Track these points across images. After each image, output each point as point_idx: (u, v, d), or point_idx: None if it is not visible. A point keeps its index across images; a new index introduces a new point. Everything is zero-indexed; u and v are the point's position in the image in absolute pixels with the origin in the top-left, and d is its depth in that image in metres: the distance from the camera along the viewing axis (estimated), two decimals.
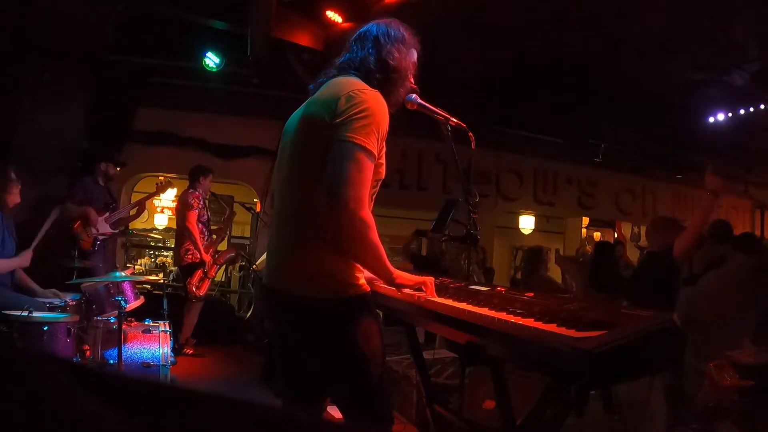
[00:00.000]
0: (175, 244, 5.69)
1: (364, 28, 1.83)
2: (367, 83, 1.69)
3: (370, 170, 1.55)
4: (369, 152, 1.54)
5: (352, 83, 1.65)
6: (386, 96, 1.70)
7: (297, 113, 1.80)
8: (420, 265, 5.60)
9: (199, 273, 5.31)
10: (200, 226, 5.40)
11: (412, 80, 1.87)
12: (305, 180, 1.65)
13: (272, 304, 1.84)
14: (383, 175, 1.70)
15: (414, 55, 1.83)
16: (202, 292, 5.31)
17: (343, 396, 1.72)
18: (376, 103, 1.59)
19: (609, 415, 3.48)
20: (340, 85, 1.66)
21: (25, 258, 3.72)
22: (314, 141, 1.61)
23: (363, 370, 1.65)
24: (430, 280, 1.74)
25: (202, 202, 5.43)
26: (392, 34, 1.78)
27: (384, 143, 1.63)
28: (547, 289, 5.32)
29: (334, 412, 2.07)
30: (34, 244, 3.78)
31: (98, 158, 5.33)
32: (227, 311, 6.96)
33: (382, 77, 1.74)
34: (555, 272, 7.47)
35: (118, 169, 5.47)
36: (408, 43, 1.81)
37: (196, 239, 5.25)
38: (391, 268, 1.65)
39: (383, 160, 1.67)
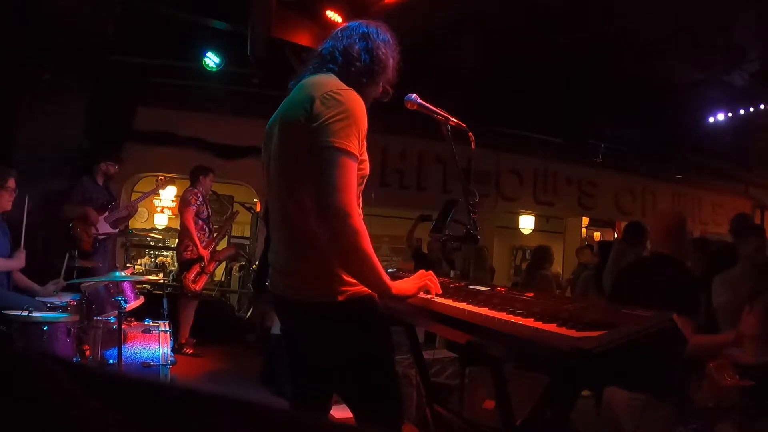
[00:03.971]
0: (177, 242, 5.73)
1: (354, 23, 1.84)
2: (344, 72, 1.70)
3: (355, 172, 1.56)
4: (351, 154, 1.54)
5: (327, 83, 1.64)
6: (362, 87, 1.71)
7: (274, 116, 1.79)
8: (421, 263, 5.60)
9: (196, 268, 5.35)
10: (200, 222, 5.45)
11: (388, 85, 1.87)
12: (293, 183, 1.65)
13: (278, 308, 1.84)
14: (368, 171, 1.70)
15: (392, 62, 1.83)
16: (198, 288, 5.34)
17: (352, 395, 1.73)
18: (353, 102, 1.59)
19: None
20: (314, 86, 1.64)
21: (19, 259, 3.70)
22: (294, 144, 1.62)
23: (371, 370, 1.65)
24: (430, 277, 1.74)
25: (201, 200, 5.47)
26: (380, 34, 1.79)
27: (365, 140, 1.63)
28: (547, 287, 5.36)
29: (336, 412, 2.07)
30: (23, 241, 3.76)
31: (97, 158, 5.33)
32: (227, 311, 6.96)
33: (363, 66, 1.73)
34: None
35: (117, 167, 5.46)
36: (392, 48, 1.82)
37: (192, 235, 5.31)
38: (388, 279, 1.60)
39: (365, 156, 1.67)
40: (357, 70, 1.72)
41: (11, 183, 3.73)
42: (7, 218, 3.87)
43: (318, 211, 1.52)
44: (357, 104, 1.59)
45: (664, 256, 2.92)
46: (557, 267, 6.21)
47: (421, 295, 1.72)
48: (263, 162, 1.83)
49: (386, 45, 1.79)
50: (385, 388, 1.69)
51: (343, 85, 1.64)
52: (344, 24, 1.89)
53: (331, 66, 1.73)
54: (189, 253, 5.36)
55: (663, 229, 3.01)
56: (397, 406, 1.74)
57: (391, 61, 1.81)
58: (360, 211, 1.62)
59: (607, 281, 4.55)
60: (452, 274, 5.31)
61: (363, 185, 1.72)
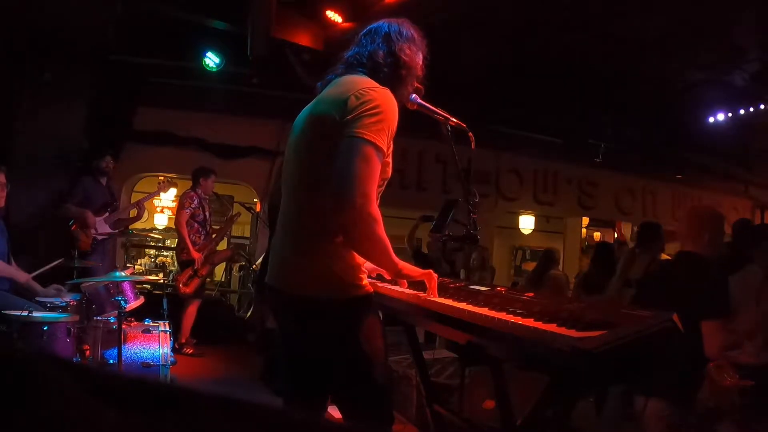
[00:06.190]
0: (177, 243, 5.74)
1: (375, 24, 1.82)
2: (374, 79, 1.69)
3: (378, 166, 1.54)
4: (378, 148, 1.53)
5: (363, 81, 1.65)
6: (393, 92, 1.69)
7: (305, 111, 1.78)
8: (421, 263, 5.59)
9: (188, 271, 5.34)
10: (195, 225, 5.45)
11: (417, 82, 1.86)
12: (312, 179, 1.64)
13: (275, 303, 1.84)
14: (389, 174, 1.70)
15: (420, 57, 1.82)
16: (189, 290, 5.32)
17: (344, 395, 1.73)
18: (386, 100, 1.59)
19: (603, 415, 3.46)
20: (349, 84, 1.65)
21: (21, 276, 3.68)
22: (322, 139, 1.60)
23: (365, 369, 1.65)
24: (433, 276, 1.75)
25: (197, 202, 5.46)
26: (404, 32, 1.78)
27: (392, 142, 1.63)
28: (556, 288, 5.37)
29: (335, 412, 2.07)
30: (34, 273, 3.76)
31: (93, 157, 5.34)
32: (227, 311, 6.96)
33: (390, 72, 1.73)
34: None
35: (113, 163, 5.45)
36: (417, 44, 1.81)
37: (184, 238, 5.34)
38: (397, 260, 1.65)
39: (390, 159, 1.66)
40: (385, 76, 1.72)
41: (1, 178, 3.71)
42: (3, 215, 3.86)
43: (336, 197, 1.50)
44: (390, 103, 1.60)
45: (691, 255, 2.72)
46: (559, 269, 6.25)
47: (415, 292, 1.72)
48: (285, 157, 1.83)
49: (411, 43, 1.78)
50: (377, 389, 1.69)
51: (377, 84, 1.64)
52: (352, 28, 1.89)
53: (361, 69, 1.73)
54: (185, 254, 5.37)
55: (694, 226, 2.79)
56: (388, 407, 1.75)
57: (418, 58, 1.80)
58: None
59: (613, 290, 4.23)
60: (478, 276, 5.30)
61: (383, 187, 1.71)
